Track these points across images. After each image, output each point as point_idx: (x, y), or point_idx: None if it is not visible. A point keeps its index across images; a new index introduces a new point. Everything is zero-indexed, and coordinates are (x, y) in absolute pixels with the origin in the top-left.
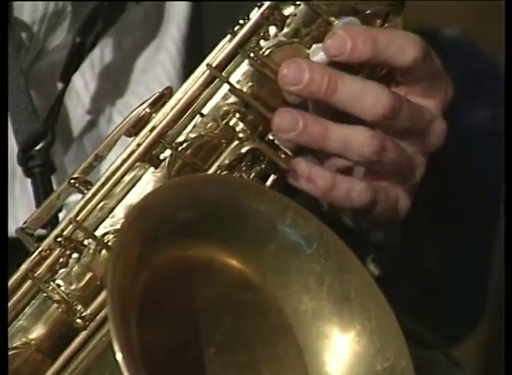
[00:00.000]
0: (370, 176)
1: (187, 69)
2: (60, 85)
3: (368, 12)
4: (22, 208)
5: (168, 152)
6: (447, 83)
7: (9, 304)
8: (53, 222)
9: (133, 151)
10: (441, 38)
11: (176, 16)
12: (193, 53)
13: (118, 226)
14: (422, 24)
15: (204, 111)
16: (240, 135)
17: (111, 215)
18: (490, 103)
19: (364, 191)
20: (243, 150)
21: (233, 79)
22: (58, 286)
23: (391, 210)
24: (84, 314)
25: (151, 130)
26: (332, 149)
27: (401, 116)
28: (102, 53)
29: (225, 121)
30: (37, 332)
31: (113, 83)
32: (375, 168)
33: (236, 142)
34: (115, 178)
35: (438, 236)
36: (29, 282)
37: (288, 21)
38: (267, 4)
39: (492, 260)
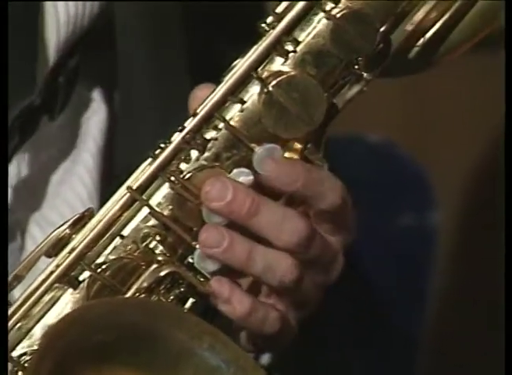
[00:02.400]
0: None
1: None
2: None
3: (288, 139)
4: None
5: (87, 274)
6: (353, 221)
7: None
8: None
9: (51, 272)
10: (365, 144)
11: (93, 129)
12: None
13: (35, 347)
14: (348, 130)
15: (124, 233)
16: (159, 258)
17: (28, 335)
18: (413, 209)
19: (278, 320)
20: (162, 273)
21: (154, 201)
22: None
23: (285, 335)
24: None
25: (71, 252)
26: (255, 272)
27: (312, 247)
28: (19, 168)
29: (145, 244)
30: None
31: (30, 197)
32: (289, 293)
33: (154, 265)
34: (33, 299)
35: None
36: None
37: (209, 145)
38: (188, 128)
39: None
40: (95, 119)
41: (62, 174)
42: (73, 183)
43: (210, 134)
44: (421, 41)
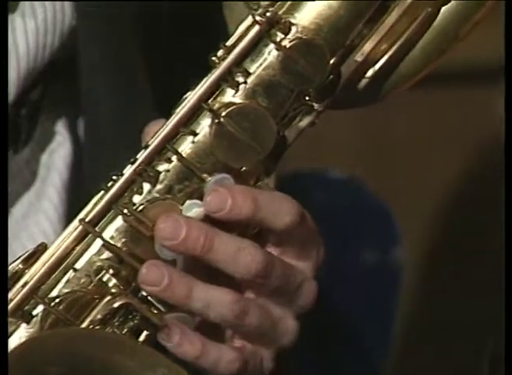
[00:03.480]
0: (239, 338)
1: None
2: None
3: (241, 169)
4: None
5: (40, 308)
6: (319, 245)
7: None
8: None
9: None
10: (328, 180)
11: (58, 163)
12: (75, 199)
13: None
14: (311, 167)
15: (78, 266)
16: (113, 290)
17: None
18: (377, 245)
19: (233, 361)
20: (115, 305)
21: (107, 234)
22: None
23: (256, 372)
24: None
25: (24, 285)
26: (195, 310)
27: (273, 275)
28: None
29: (98, 277)
30: None
31: None
32: (237, 329)
33: (108, 297)
34: None
35: None
36: None
37: (161, 177)
38: (140, 160)
39: None
40: (60, 152)
41: (27, 208)
42: (38, 217)
43: (162, 166)
44: (371, 72)
